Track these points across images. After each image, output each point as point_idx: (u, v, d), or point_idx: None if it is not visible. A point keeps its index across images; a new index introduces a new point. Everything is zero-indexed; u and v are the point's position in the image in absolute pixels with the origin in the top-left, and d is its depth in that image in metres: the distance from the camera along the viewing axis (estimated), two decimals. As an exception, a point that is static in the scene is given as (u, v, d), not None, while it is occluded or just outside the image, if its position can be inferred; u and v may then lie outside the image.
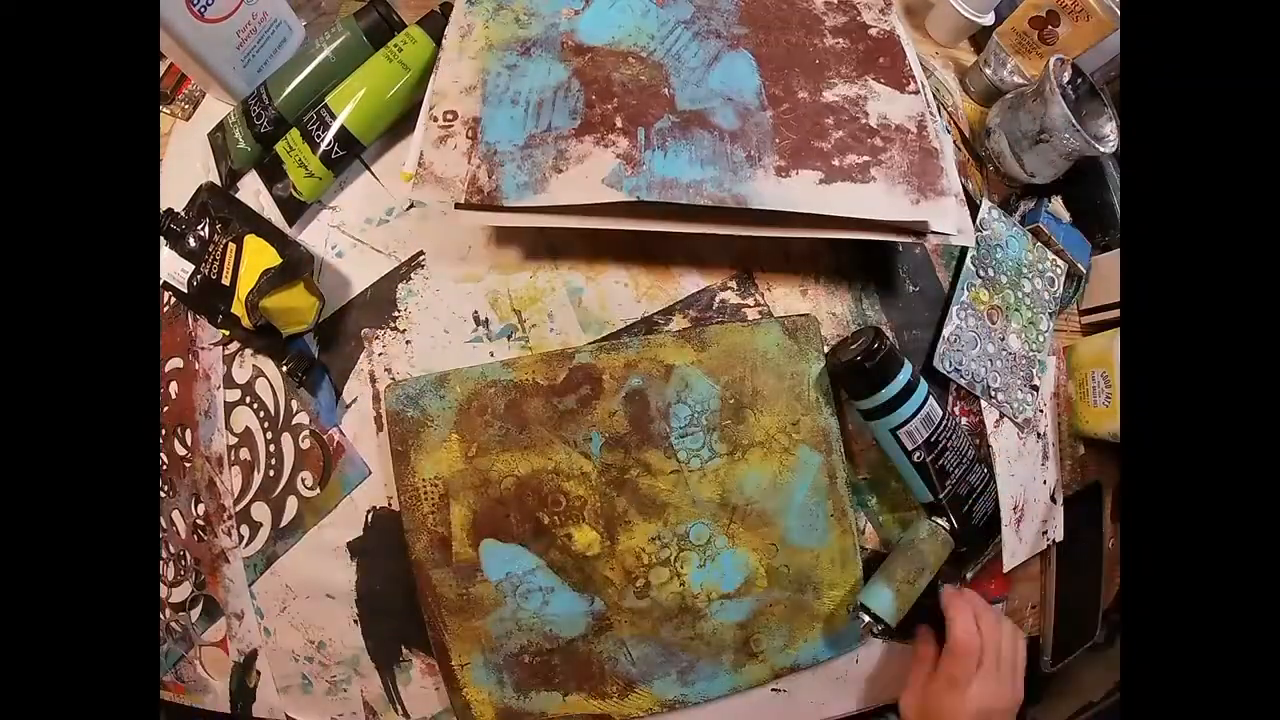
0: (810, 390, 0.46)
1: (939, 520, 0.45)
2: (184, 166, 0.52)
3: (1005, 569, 0.49)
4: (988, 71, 0.59)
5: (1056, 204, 0.58)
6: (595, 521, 0.44)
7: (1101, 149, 0.51)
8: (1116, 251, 0.56)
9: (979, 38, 0.63)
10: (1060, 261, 0.55)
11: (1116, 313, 0.54)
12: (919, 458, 0.44)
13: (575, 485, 0.44)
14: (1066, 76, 0.51)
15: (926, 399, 0.44)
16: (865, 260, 0.50)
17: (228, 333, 0.47)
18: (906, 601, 0.43)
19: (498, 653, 0.45)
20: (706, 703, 0.46)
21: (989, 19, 0.60)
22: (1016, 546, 0.49)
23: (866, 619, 0.43)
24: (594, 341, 0.45)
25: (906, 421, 0.43)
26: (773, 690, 0.48)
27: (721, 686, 0.46)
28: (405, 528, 0.44)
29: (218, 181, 0.50)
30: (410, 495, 0.44)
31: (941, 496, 0.45)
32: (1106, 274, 0.55)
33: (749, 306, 0.47)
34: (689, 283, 0.47)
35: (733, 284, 0.47)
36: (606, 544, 0.44)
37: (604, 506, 0.44)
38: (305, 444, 0.47)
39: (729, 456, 0.45)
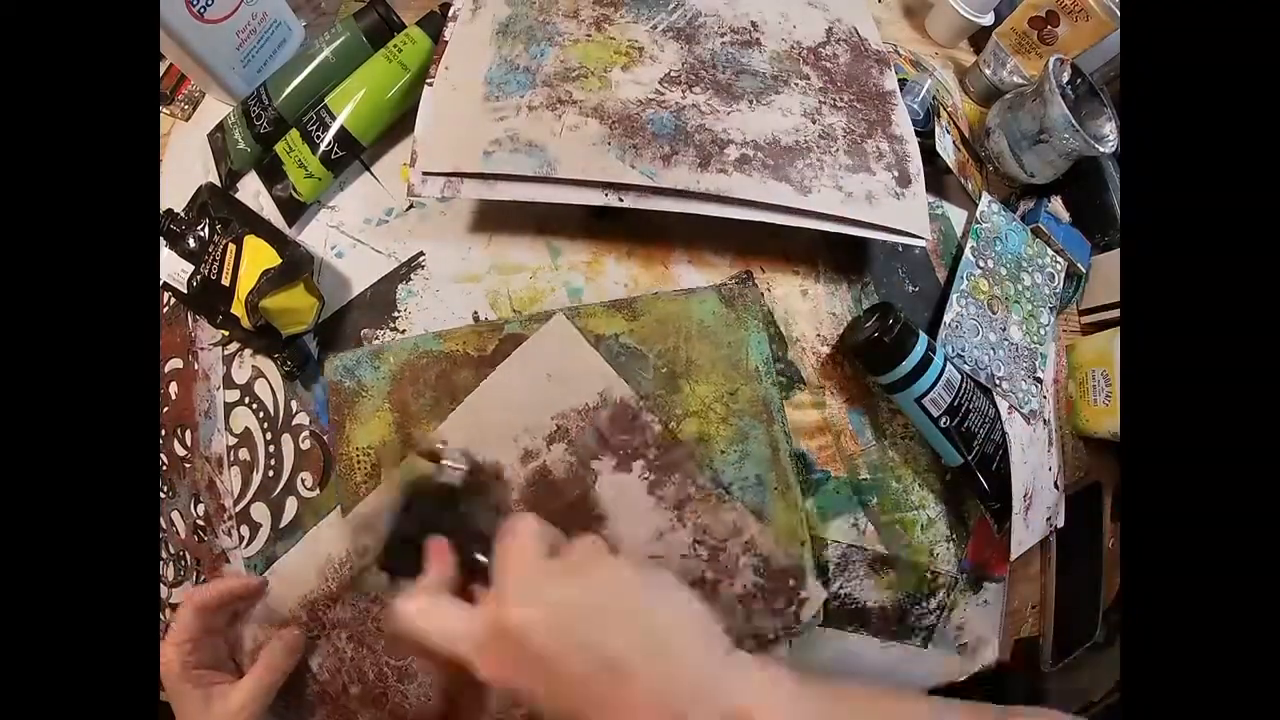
0: (749, 359, 0.45)
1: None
2: (184, 167, 0.52)
3: (1012, 557, 0.49)
4: (987, 71, 0.60)
5: (1056, 204, 0.59)
6: None
7: (1101, 149, 0.51)
8: (1116, 251, 0.56)
9: (979, 38, 0.63)
10: (1060, 258, 0.55)
11: (1116, 313, 0.54)
12: (945, 424, 0.44)
13: None
14: (1066, 76, 0.52)
15: (945, 365, 0.44)
16: (865, 260, 0.50)
17: (227, 333, 0.47)
18: None
19: None
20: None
21: (989, 19, 0.60)
22: (1024, 534, 0.49)
23: None
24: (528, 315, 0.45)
25: (929, 390, 0.44)
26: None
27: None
28: (338, 498, 0.44)
29: (218, 182, 0.50)
30: (345, 465, 0.44)
31: (970, 458, 0.45)
32: (1106, 274, 0.55)
33: (749, 307, 0.47)
34: (689, 283, 0.47)
35: (733, 284, 0.47)
36: None
37: None
38: (305, 444, 0.47)
39: (662, 427, 0.44)
